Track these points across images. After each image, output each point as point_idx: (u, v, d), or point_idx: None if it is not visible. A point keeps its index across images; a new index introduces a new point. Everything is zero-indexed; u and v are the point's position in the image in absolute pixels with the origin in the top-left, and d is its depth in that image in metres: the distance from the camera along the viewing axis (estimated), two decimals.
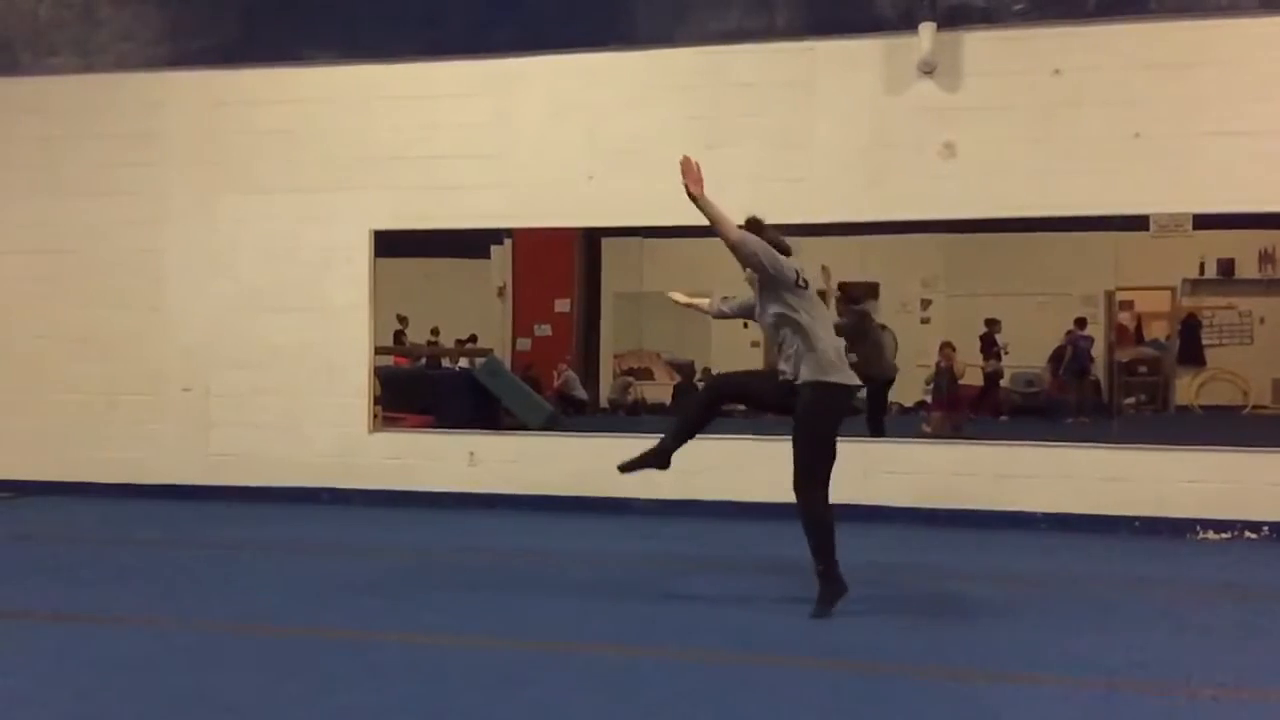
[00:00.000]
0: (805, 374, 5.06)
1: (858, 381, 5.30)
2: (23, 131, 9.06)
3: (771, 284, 5.16)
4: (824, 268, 7.73)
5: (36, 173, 9.02)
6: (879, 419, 8.90)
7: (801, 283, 5.16)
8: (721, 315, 5.86)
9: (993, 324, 10.13)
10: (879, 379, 8.83)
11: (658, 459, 5.32)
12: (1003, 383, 10.49)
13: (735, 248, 5.12)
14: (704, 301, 5.87)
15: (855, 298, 9.40)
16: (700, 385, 5.40)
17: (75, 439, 8.97)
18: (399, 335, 10.66)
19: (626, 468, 5.33)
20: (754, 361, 10.71)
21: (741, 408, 6.81)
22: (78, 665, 4.22)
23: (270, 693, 3.87)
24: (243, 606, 5.28)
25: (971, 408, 10.05)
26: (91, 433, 8.95)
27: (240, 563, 6.38)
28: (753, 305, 5.40)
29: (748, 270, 5.25)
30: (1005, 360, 10.25)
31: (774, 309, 5.17)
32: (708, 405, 5.45)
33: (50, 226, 9.00)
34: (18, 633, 4.76)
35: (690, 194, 5.11)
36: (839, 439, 5.30)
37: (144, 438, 8.88)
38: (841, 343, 5.31)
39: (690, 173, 5.14)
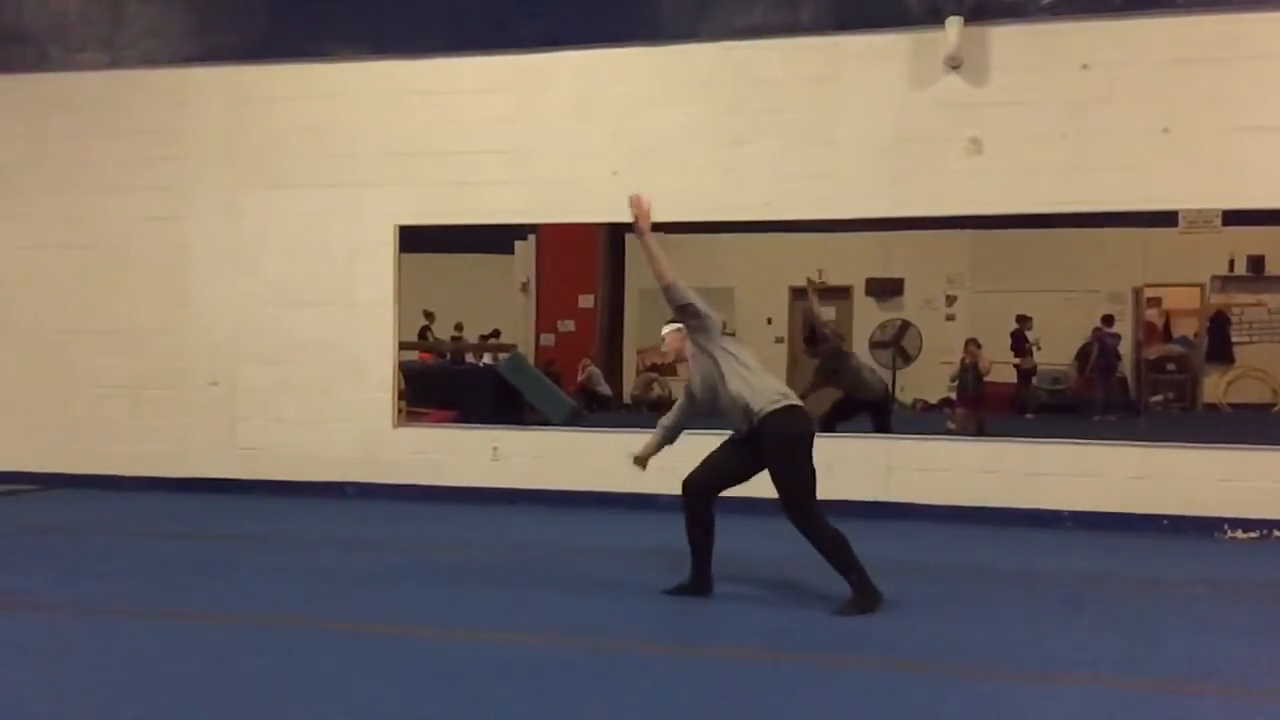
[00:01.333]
0: (757, 407, 5.01)
1: (808, 413, 5.26)
2: (51, 127, 9.13)
3: (703, 333, 5.18)
4: (809, 280, 7.75)
5: (65, 168, 9.10)
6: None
7: (728, 331, 5.22)
8: (674, 431, 5.58)
9: (1024, 320, 10.06)
10: (869, 400, 8.81)
11: (696, 588, 5.33)
12: (1034, 380, 10.43)
13: (668, 289, 5.18)
14: (653, 439, 5.61)
15: (822, 336, 9.39)
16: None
17: (103, 433, 9.05)
18: (425, 331, 10.70)
19: (673, 592, 5.35)
20: (777, 357, 10.70)
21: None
22: (103, 657, 4.25)
23: (294, 685, 3.89)
24: (267, 599, 5.30)
25: (1005, 405, 9.98)
26: (119, 427, 9.03)
27: (265, 556, 6.42)
28: (692, 395, 5.33)
29: (691, 380, 5.26)
30: (1030, 359, 10.18)
31: (705, 363, 5.18)
32: (695, 516, 5.38)
33: (78, 222, 9.08)
34: (44, 625, 4.80)
35: (637, 229, 5.22)
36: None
37: (171, 432, 8.95)
38: (781, 386, 5.21)
39: (640, 209, 5.27)
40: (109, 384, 9.06)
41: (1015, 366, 10.12)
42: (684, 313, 5.19)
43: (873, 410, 8.73)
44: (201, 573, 5.92)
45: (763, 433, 5.03)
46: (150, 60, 8.98)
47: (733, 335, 5.24)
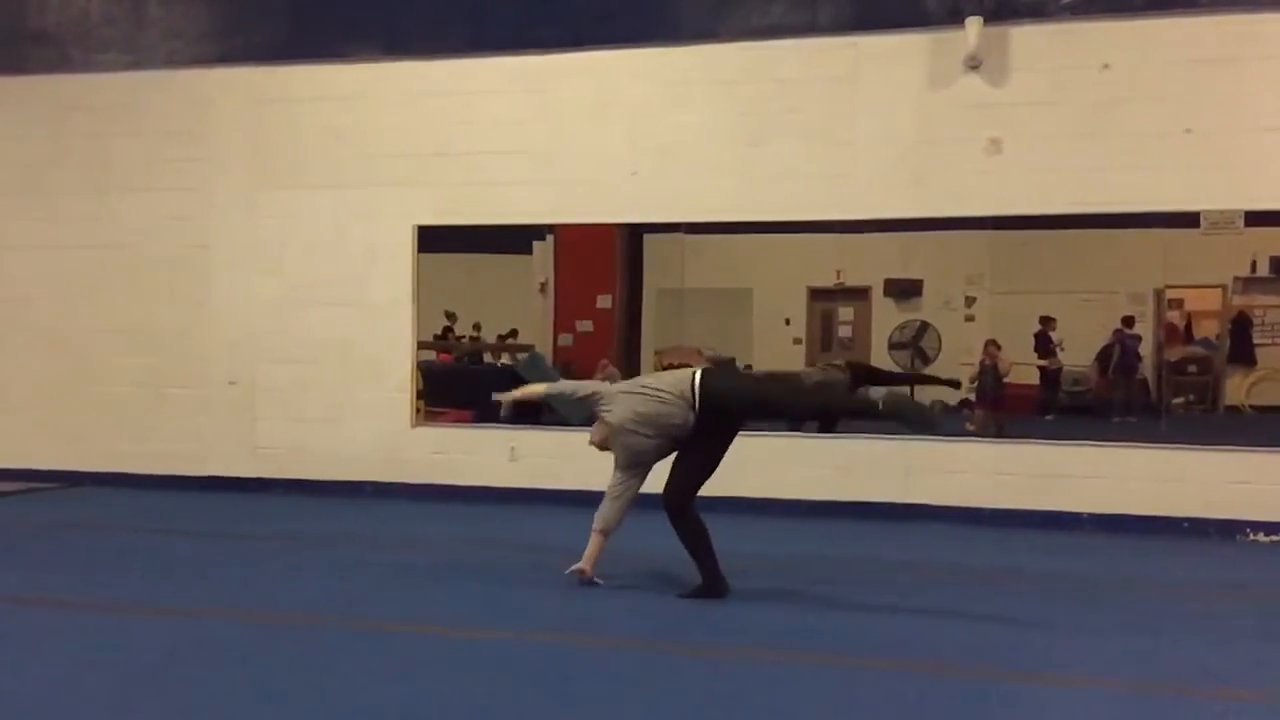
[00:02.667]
0: (692, 386, 5.25)
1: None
2: (73, 128, 9.20)
3: (604, 401, 5.46)
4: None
5: (87, 169, 9.16)
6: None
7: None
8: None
9: (1047, 321, 9.98)
10: None
11: (713, 590, 5.33)
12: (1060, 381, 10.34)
13: (564, 397, 5.62)
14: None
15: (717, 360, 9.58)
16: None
17: (124, 431, 9.11)
18: (447, 331, 10.71)
19: (686, 596, 5.38)
20: (795, 358, 10.67)
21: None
22: (122, 655, 4.28)
23: (313, 683, 3.90)
24: (287, 598, 5.33)
25: (1025, 407, 9.91)
26: (140, 425, 9.08)
27: (285, 555, 6.45)
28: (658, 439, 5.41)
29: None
30: (1055, 360, 10.10)
31: (631, 412, 5.36)
32: (688, 523, 5.40)
33: (100, 222, 9.14)
34: (65, 622, 4.83)
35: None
36: None
37: (191, 430, 9.00)
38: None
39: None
40: (130, 383, 9.11)
41: (1040, 368, 10.05)
42: (592, 403, 5.48)
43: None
44: (221, 571, 5.95)
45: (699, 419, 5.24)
46: (171, 62, 9.03)
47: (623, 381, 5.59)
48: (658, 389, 5.32)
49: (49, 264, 9.23)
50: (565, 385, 5.81)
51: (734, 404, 5.47)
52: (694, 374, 5.32)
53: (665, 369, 11.56)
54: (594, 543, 5.39)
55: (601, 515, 5.36)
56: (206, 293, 8.99)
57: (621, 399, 5.36)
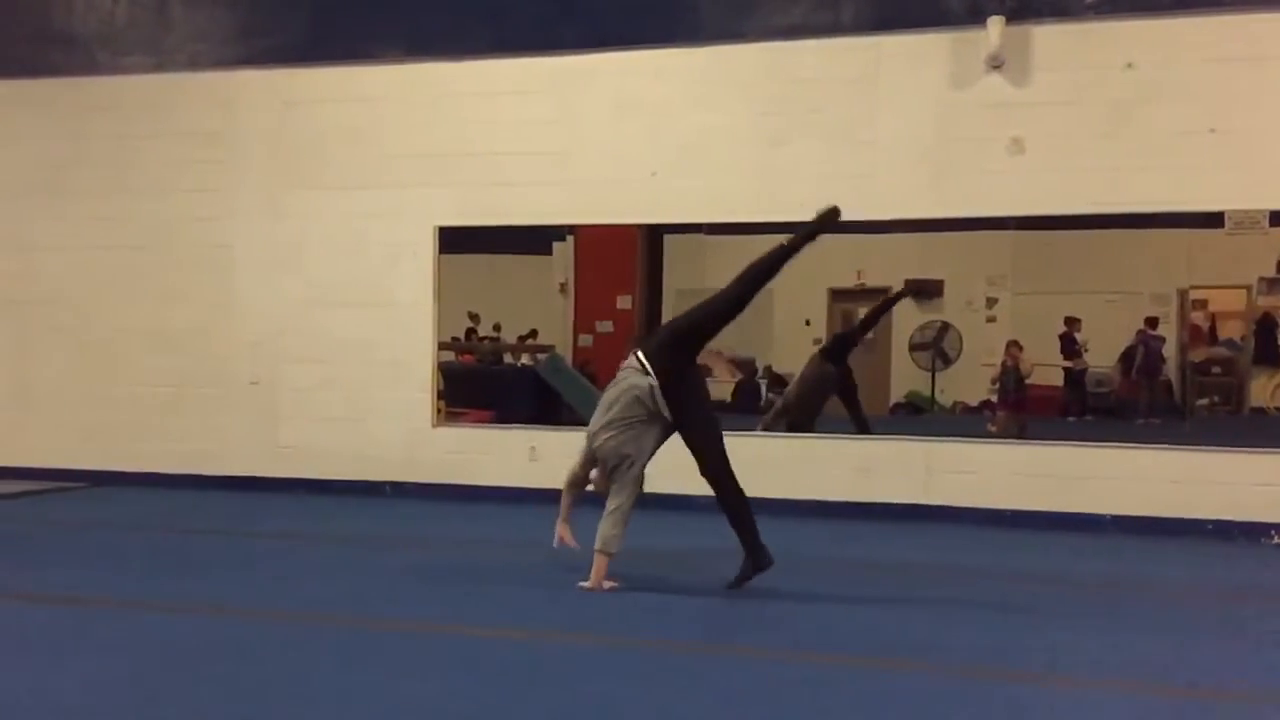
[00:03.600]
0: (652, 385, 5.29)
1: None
2: (98, 130, 9.27)
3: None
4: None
5: (112, 170, 9.23)
6: None
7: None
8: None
9: (1072, 322, 9.94)
10: None
11: (758, 565, 5.38)
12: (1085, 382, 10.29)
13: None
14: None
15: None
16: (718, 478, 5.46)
17: (147, 430, 9.17)
18: (470, 332, 10.74)
19: (736, 585, 5.41)
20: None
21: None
22: (145, 652, 4.31)
23: (334, 681, 3.92)
24: (308, 597, 5.35)
25: (1047, 408, 9.87)
26: (163, 425, 9.15)
27: (307, 554, 6.48)
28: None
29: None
30: (1080, 360, 10.04)
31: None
32: (733, 490, 5.51)
33: (124, 223, 9.21)
34: (90, 619, 4.87)
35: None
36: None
37: (213, 430, 9.05)
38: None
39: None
40: (153, 383, 9.18)
41: (1065, 369, 10.00)
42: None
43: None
44: (243, 570, 5.99)
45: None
46: (195, 64, 9.10)
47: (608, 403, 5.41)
48: (613, 383, 5.39)
49: (74, 264, 9.30)
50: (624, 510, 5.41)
51: (676, 334, 5.49)
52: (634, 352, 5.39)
53: None
54: (599, 563, 5.33)
55: (604, 537, 5.28)
56: (229, 293, 9.05)
57: (613, 430, 5.32)
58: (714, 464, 5.43)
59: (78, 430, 9.31)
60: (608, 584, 5.34)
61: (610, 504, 5.32)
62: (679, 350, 5.44)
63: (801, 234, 5.59)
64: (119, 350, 9.23)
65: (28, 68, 9.37)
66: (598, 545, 5.30)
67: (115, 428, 9.24)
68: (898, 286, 10.65)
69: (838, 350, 9.43)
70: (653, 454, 5.41)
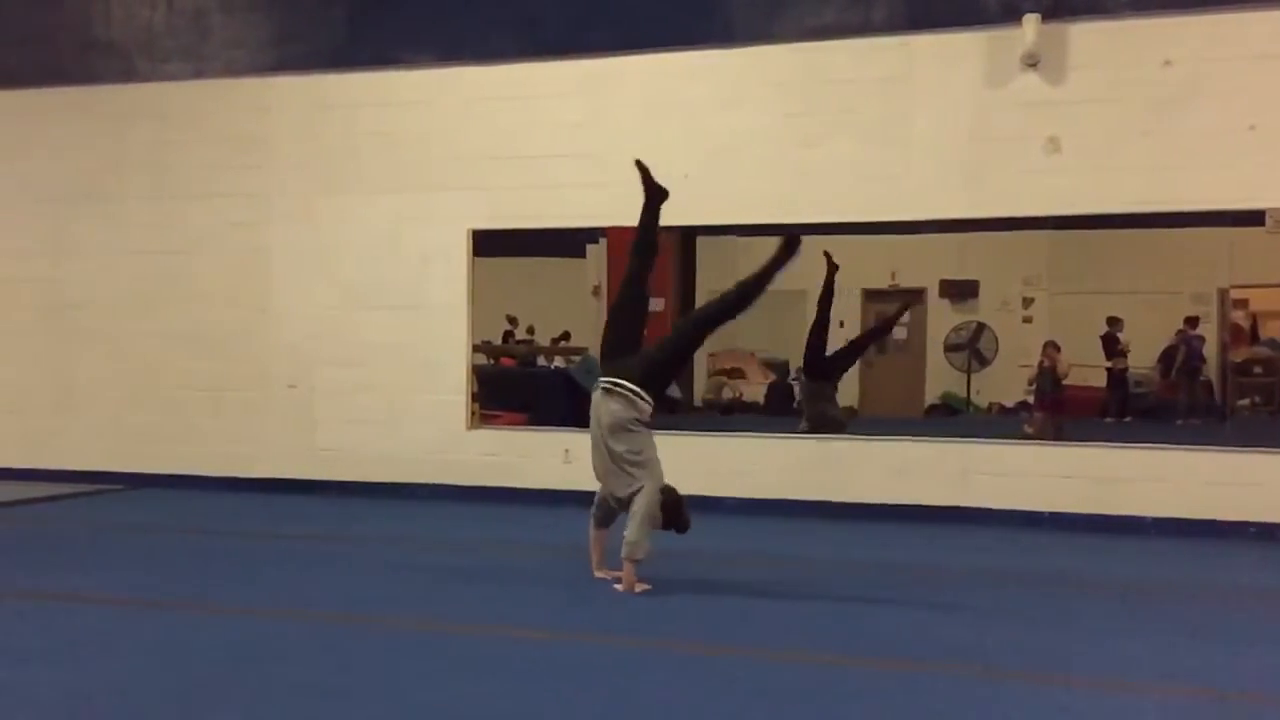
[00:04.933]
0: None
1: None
2: (138, 136, 9.39)
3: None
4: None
5: (151, 176, 9.34)
6: None
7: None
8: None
9: (1114, 322, 9.81)
10: None
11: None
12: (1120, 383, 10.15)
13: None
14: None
15: None
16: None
17: (185, 434, 9.27)
18: (508, 335, 10.78)
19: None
20: None
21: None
22: (189, 653, 4.35)
23: (372, 682, 3.94)
24: (344, 597, 5.39)
25: (1084, 409, 9.77)
26: (201, 428, 9.24)
27: (343, 555, 6.52)
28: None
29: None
30: (1122, 360, 9.92)
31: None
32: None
33: (163, 228, 9.32)
34: (131, 620, 4.92)
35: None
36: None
37: (251, 433, 9.14)
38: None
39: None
40: (192, 386, 9.28)
41: (1107, 369, 9.88)
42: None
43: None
44: (281, 571, 6.04)
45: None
46: (232, 70, 9.19)
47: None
48: (594, 420, 5.51)
49: (114, 269, 9.42)
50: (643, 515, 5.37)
51: (650, 369, 5.56)
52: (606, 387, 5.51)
53: (719, 373, 11.57)
54: (628, 569, 5.34)
55: (630, 544, 5.28)
56: (266, 297, 9.13)
57: (621, 467, 5.42)
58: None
59: (118, 433, 9.43)
60: (639, 587, 5.34)
61: (634, 508, 5.32)
62: (653, 384, 5.54)
63: (760, 272, 5.65)
64: (158, 354, 9.34)
65: (69, 75, 9.50)
66: (625, 552, 5.31)
67: (154, 431, 9.35)
68: (933, 287, 10.59)
69: (814, 365, 9.42)
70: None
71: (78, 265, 9.51)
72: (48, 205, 9.56)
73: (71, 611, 5.09)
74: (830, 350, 9.39)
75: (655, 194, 5.88)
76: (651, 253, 5.81)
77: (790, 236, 5.63)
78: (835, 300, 9.26)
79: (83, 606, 5.16)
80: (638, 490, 5.33)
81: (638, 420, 5.41)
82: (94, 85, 9.46)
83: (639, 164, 5.86)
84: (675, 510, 5.41)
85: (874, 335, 10.47)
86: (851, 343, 10.05)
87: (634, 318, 5.73)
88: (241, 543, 7.00)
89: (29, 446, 9.54)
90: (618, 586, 5.38)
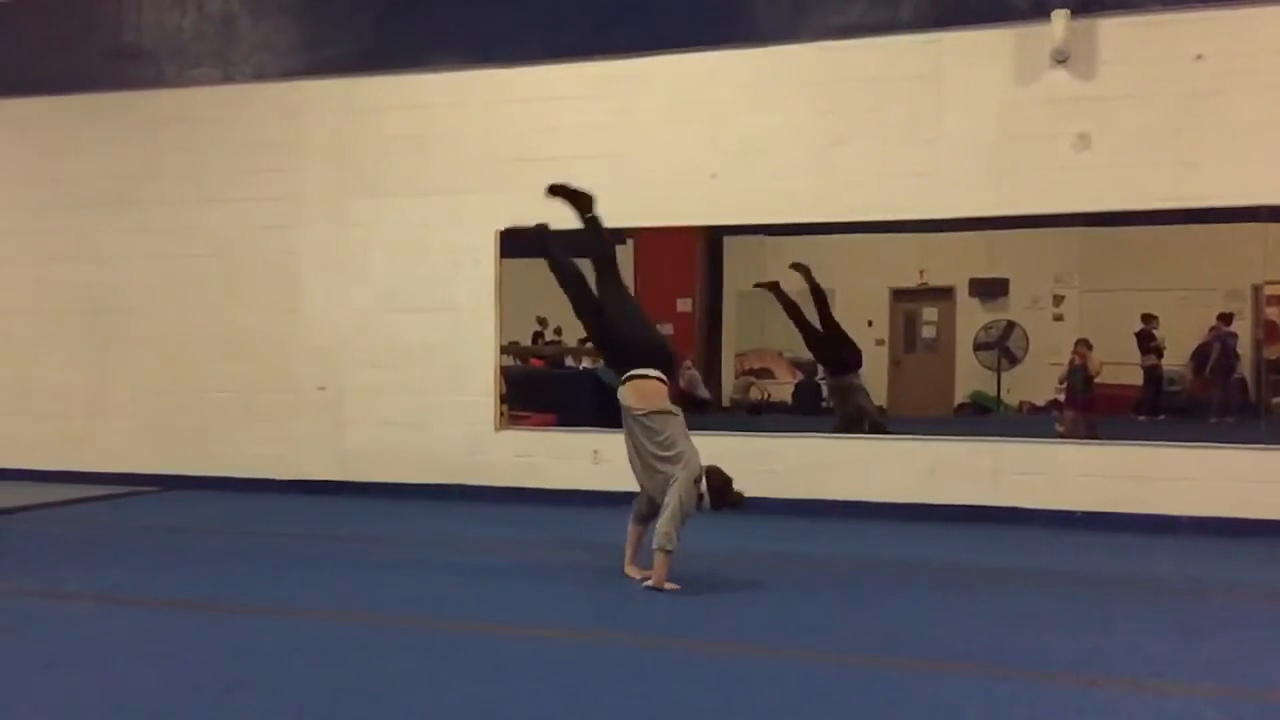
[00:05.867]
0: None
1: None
2: (169, 141, 9.48)
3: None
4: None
5: (182, 180, 9.43)
6: None
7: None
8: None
9: (1150, 319, 9.70)
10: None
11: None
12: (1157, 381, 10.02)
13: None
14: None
15: None
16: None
17: (217, 436, 9.35)
18: (538, 336, 10.79)
19: None
20: (878, 359, 10.54)
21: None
22: (224, 653, 4.38)
23: (404, 682, 3.96)
24: (377, 598, 5.42)
25: (1116, 407, 9.66)
26: (232, 430, 9.32)
27: (374, 556, 6.56)
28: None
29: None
30: (1157, 358, 9.79)
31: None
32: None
33: (195, 232, 9.40)
34: (167, 621, 4.97)
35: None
36: None
37: (282, 435, 9.20)
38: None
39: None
40: (223, 389, 9.36)
41: (1144, 367, 9.76)
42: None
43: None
44: (313, 572, 6.07)
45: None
46: (261, 75, 9.27)
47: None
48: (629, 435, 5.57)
49: (146, 274, 9.52)
50: (674, 506, 5.37)
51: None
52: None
53: (746, 373, 11.54)
54: (659, 561, 5.35)
55: (661, 534, 5.29)
56: (296, 300, 9.19)
57: (655, 465, 5.46)
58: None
59: (152, 435, 9.52)
60: (668, 585, 5.34)
61: (666, 499, 5.33)
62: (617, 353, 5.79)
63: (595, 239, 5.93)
64: (191, 357, 9.42)
65: (100, 82, 9.61)
66: (656, 543, 5.32)
67: (187, 433, 9.43)
68: (961, 285, 10.51)
69: (829, 362, 9.44)
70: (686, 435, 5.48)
71: (111, 269, 9.61)
72: (82, 210, 9.67)
73: (105, 611, 5.14)
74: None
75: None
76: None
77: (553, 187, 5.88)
78: (829, 302, 9.29)
79: (117, 607, 5.22)
80: (668, 485, 5.35)
81: (665, 408, 5.43)
82: (124, 91, 9.57)
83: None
84: (724, 489, 5.44)
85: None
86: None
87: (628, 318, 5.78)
88: (274, 543, 7.05)
89: (65, 449, 9.66)
90: (647, 584, 5.38)
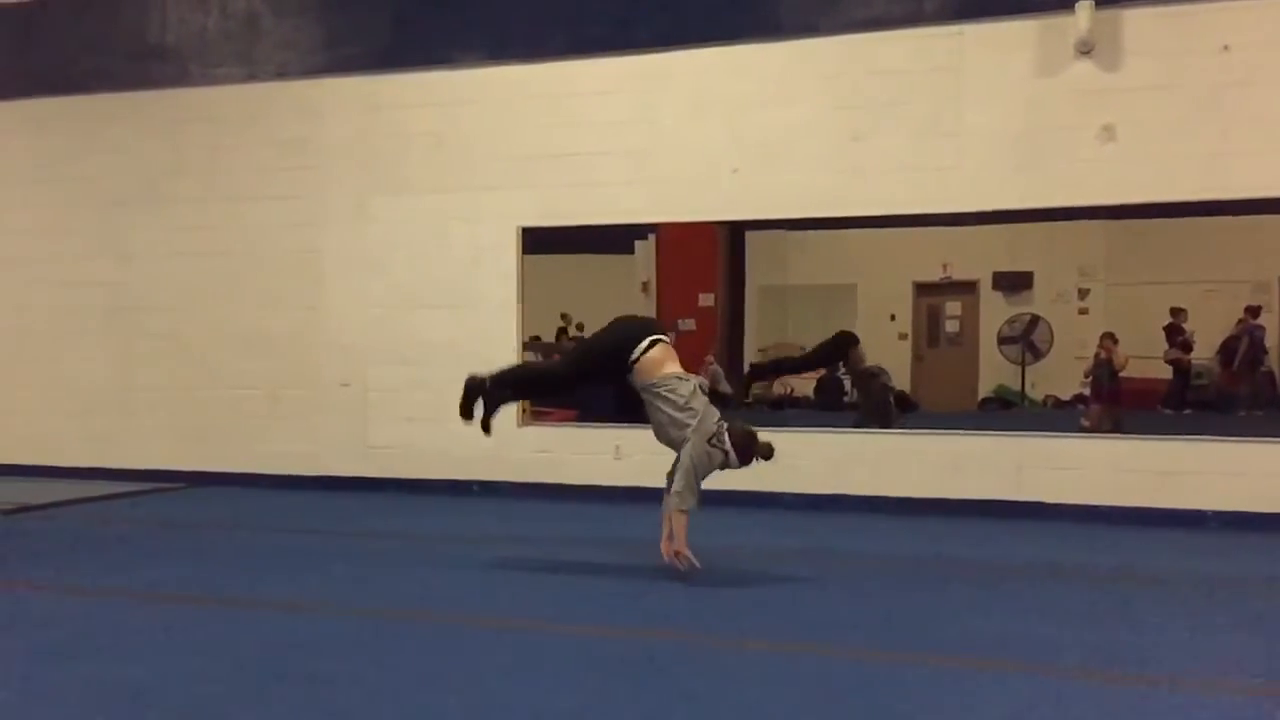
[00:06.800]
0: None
1: None
2: (192, 139, 9.53)
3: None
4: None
5: (206, 179, 9.48)
6: None
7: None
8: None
9: (1179, 313, 9.62)
10: None
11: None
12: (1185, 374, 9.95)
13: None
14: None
15: None
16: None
17: (241, 433, 9.40)
18: (561, 333, 10.82)
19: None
20: (901, 353, 10.52)
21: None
22: (248, 649, 4.41)
23: (429, 677, 3.97)
24: (401, 594, 5.44)
25: (1142, 401, 9.60)
26: (256, 427, 9.37)
27: (397, 552, 6.58)
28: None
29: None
30: (1184, 352, 9.71)
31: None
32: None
33: (219, 230, 9.45)
34: (192, 616, 5.00)
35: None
36: None
37: (305, 431, 9.25)
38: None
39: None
40: (247, 386, 9.41)
41: (1172, 361, 9.68)
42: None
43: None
44: (337, 568, 6.10)
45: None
46: (283, 73, 9.30)
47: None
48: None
49: (171, 271, 9.57)
50: (687, 465, 5.41)
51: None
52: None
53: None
54: (678, 521, 5.33)
55: (676, 494, 5.30)
56: (319, 297, 9.23)
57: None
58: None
59: (176, 433, 9.58)
60: (686, 552, 5.31)
61: (680, 460, 5.34)
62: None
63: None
64: (215, 354, 9.47)
65: (124, 81, 9.67)
66: (672, 504, 5.30)
67: (211, 430, 9.49)
68: (985, 279, 10.47)
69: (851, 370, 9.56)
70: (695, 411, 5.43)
71: (137, 268, 9.68)
72: (108, 209, 9.73)
73: (132, 607, 5.18)
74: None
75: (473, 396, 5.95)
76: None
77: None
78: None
79: (143, 603, 5.25)
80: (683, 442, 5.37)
81: (678, 373, 5.51)
82: (148, 90, 9.61)
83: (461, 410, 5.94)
84: (749, 443, 5.42)
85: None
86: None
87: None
88: (298, 540, 7.08)
89: (92, 446, 9.73)
90: (674, 554, 5.34)
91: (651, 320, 5.73)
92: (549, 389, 5.72)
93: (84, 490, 8.89)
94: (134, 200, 9.67)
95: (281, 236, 9.29)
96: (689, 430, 5.37)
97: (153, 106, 9.62)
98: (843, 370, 11.21)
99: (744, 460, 5.43)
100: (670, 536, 5.48)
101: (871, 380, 9.54)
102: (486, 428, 5.81)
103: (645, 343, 5.53)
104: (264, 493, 8.99)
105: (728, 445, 5.38)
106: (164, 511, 8.29)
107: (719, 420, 5.43)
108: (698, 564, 5.37)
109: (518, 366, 5.68)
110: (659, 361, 5.52)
